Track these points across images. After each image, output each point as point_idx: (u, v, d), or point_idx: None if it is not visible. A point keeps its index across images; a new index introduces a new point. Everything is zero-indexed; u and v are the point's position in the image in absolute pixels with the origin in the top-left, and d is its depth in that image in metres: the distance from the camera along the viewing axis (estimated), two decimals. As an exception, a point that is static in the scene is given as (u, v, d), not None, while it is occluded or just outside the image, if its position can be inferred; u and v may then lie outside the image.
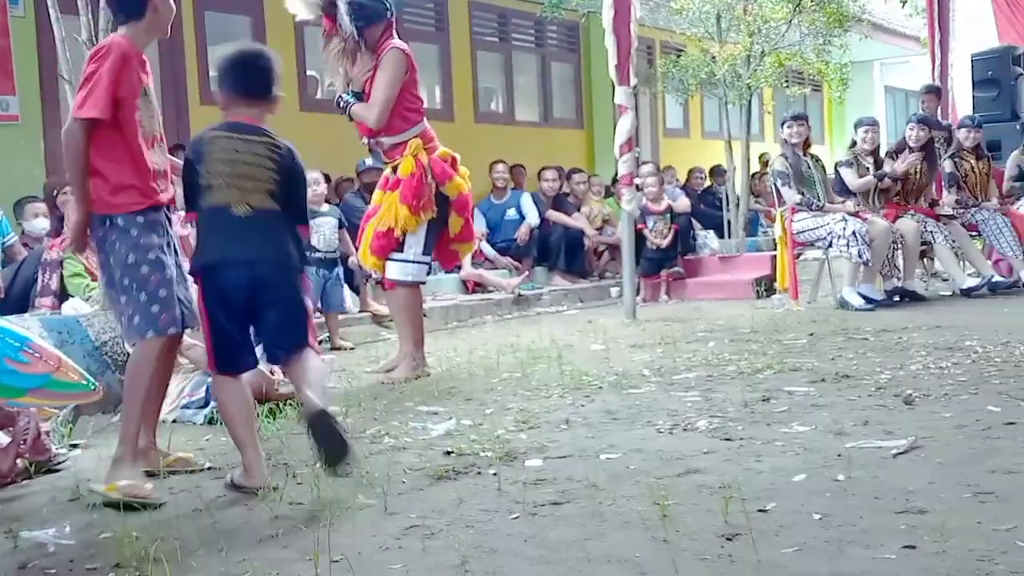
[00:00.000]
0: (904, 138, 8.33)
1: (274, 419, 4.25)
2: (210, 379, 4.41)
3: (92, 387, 3.44)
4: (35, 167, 7.80)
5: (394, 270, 5.32)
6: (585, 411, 4.17)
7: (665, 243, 9.30)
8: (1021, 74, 11.06)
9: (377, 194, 5.46)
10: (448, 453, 3.53)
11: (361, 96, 5.29)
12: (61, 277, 5.84)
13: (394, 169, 5.28)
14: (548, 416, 4.09)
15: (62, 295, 5.78)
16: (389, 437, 3.86)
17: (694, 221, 10.41)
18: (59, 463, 3.70)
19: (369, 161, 8.73)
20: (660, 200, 9.45)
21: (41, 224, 6.66)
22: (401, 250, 5.29)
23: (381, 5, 5.28)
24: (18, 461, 3.52)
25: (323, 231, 7.14)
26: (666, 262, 9.38)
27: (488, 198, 10.10)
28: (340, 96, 5.36)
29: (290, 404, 4.50)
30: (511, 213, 9.91)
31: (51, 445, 3.74)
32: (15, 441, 3.51)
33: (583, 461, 3.33)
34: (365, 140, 5.39)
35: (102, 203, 3.30)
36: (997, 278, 7.99)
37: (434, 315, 8.16)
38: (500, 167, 10.14)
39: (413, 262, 5.32)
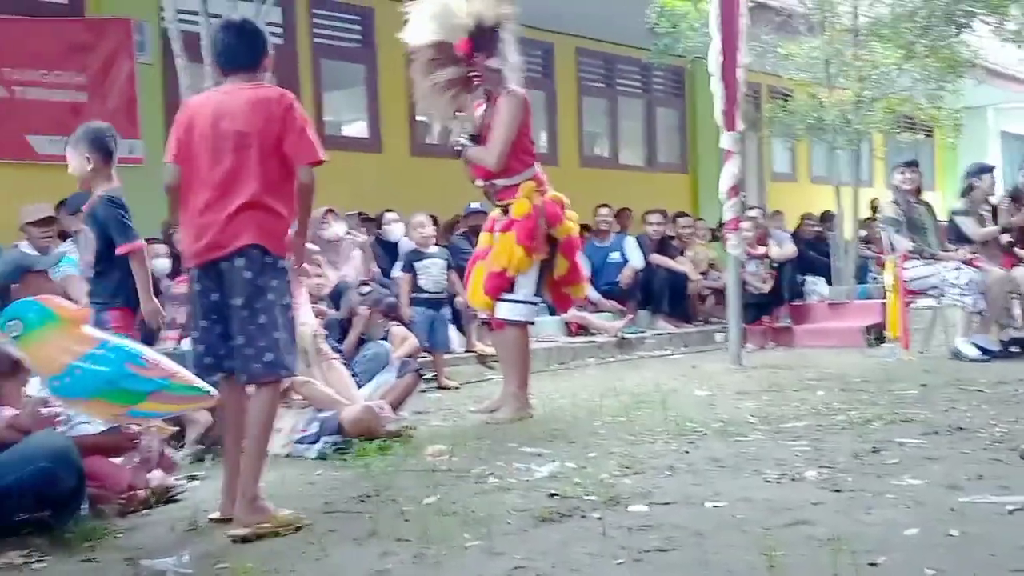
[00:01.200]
0: (1018, 185, 8.11)
1: (383, 456, 4.33)
2: (322, 415, 4.56)
3: (208, 392, 3.56)
4: (158, 209, 8.13)
5: (505, 310, 5.39)
6: (690, 458, 4.15)
7: (765, 288, 9.20)
8: None
9: (484, 236, 5.55)
10: (552, 495, 3.55)
11: (477, 139, 5.37)
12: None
13: (504, 210, 5.37)
14: (652, 461, 4.08)
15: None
16: (494, 477, 3.90)
17: (798, 265, 10.27)
18: (178, 494, 3.84)
19: (476, 205, 8.88)
20: (756, 245, 9.36)
21: (162, 264, 6.92)
22: (512, 290, 5.37)
23: None
24: (139, 492, 3.67)
25: (431, 272, 7.28)
26: (766, 308, 9.27)
27: (591, 241, 10.13)
28: (457, 139, 5.44)
29: (397, 440, 4.60)
30: (614, 256, 9.93)
31: (177, 459, 3.90)
32: (143, 458, 3.66)
33: (689, 508, 3.32)
34: (480, 182, 5.46)
35: (281, 243, 3.45)
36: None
37: (537, 357, 8.18)
38: (604, 210, 10.19)
39: (524, 302, 5.41)
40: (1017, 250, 7.84)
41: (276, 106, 3.41)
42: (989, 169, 8.14)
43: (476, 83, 5.40)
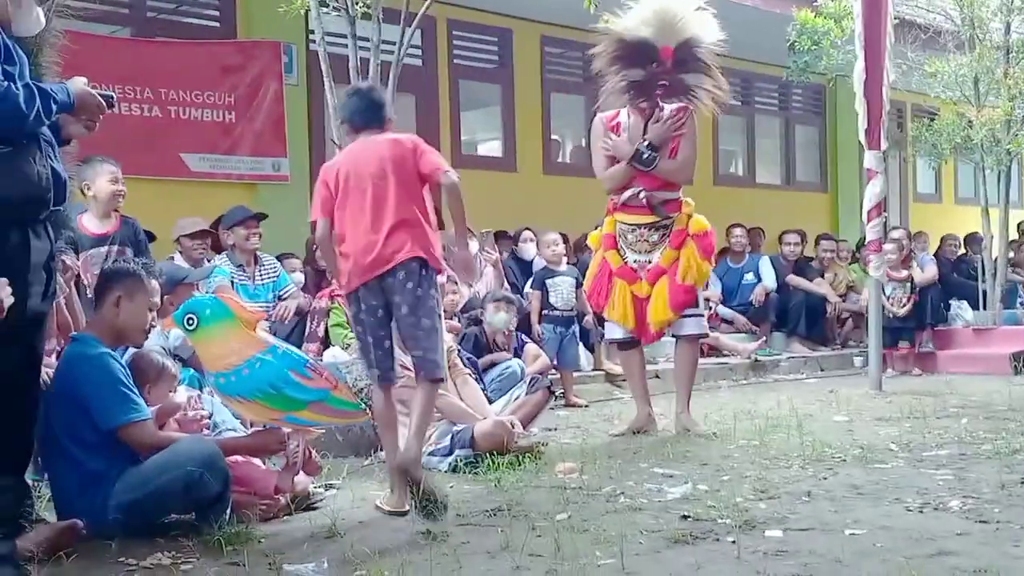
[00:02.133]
0: None
1: (514, 470, 4.37)
2: (455, 428, 4.63)
3: (363, 408, 3.72)
4: (301, 225, 8.40)
5: (694, 325, 5.55)
6: (827, 484, 4.05)
7: (902, 312, 8.91)
8: None
9: (612, 254, 5.57)
10: (685, 517, 3.52)
11: (656, 149, 5.37)
12: (326, 327, 6.25)
13: (659, 226, 5.43)
14: (788, 487, 4.00)
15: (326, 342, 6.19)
16: (625, 497, 3.89)
17: (943, 289, 9.92)
18: (317, 501, 3.95)
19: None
20: (899, 268, 9.07)
21: (297, 278, 7.15)
22: (697, 305, 5.51)
23: None
24: (280, 498, 3.79)
25: (561, 290, 7.30)
26: (904, 333, 8.98)
27: (725, 260, 10.00)
28: (641, 147, 5.35)
29: (529, 456, 4.64)
30: (749, 277, 9.77)
31: (321, 464, 4.03)
32: (290, 462, 3.79)
33: (826, 535, 3.25)
34: (644, 192, 5.41)
35: (435, 256, 3.81)
36: None
37: (667, 377, 8.13)
38: (738, 231, 10.05)
39: (703, 316, 5.71)
40: None
41: (407, 143, 3.85)
42: None
43: (659, 92, 5.37)
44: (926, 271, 9.62)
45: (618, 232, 5.52)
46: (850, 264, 10.51)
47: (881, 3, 7.35)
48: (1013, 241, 11.17)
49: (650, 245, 5.43)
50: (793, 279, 9.81)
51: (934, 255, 10.82)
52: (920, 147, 10.86)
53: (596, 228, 5.83)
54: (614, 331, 5.72)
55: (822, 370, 9.15)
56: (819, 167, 13.44)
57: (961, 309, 9.74)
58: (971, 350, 9.10)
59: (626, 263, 5.48)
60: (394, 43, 6.45)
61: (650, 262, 5.42)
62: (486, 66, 10.29)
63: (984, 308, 9.79)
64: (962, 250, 11.78)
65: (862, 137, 7.33)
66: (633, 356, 5.69)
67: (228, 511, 3.55)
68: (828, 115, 13.28)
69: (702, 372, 8.35)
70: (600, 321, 6.47)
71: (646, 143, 5.33)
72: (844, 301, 10.06)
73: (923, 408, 6.07)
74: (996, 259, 9.92)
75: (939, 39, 10.12)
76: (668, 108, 5.41)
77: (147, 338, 3.77)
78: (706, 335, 5.71)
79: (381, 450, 4.98)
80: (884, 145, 7.39)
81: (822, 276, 10.10)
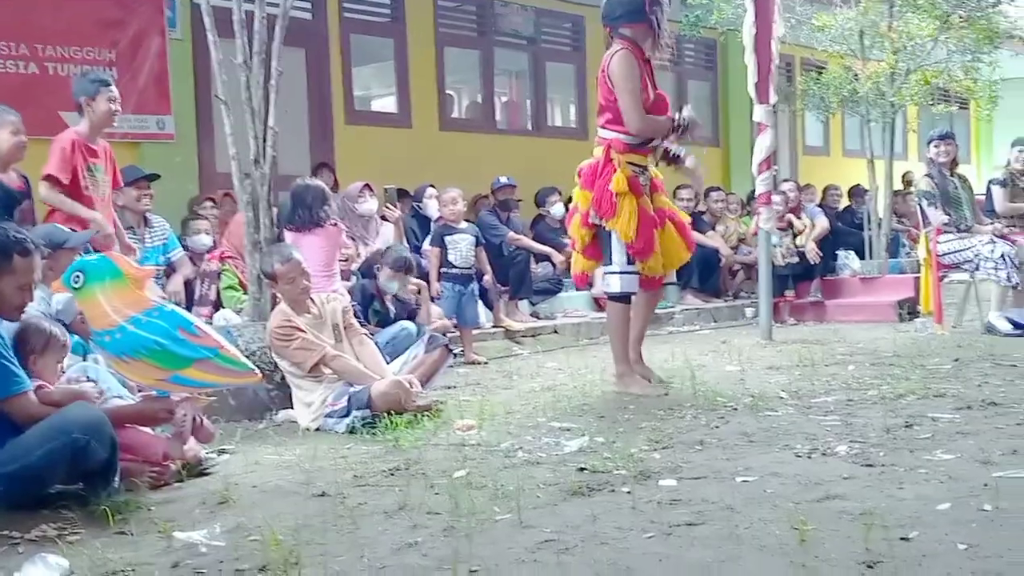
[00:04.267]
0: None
1: (412, 430, 4.35)
2: (352, 389, 4.58)
3: (252, 369, 3.64)
4: (188, 183, 8.18)
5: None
6: (720, 432, 4.13)
7: (786, 263, 9.17)
8: None
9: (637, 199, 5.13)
10: (582, 470, 3.55)
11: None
12: (218, 290, 6.11)
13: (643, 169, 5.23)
14: (682, 436, 4.07)
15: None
16: (523, 452, 3.91)
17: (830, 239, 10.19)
18: (209, 467, 3.87)
19: (504, 179, 8.86)
20: (795, 218, 9.31)
21: (204, 241, 6.97)
22: None
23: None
24: (171, 465, 3.70)
25: (460, 247, 7.27)
26: (795, 281, 9.24)
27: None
28: (679, 119, 5.18)
29: (426, 415, 4.62)
30: (645, 232, 9.87)
31: (213, 430, 3.94)
32: (178, 430, 3.71)
33: (719, 483, 3.31)
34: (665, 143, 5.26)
35: None
36: None
37: (565, 332, 8.23)
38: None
39: None
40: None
41: None
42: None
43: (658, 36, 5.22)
44: (818, 223, 9.86)
45: (632, 174, 5.12)
46: (741, 216, 10.70)
47: (770, -43, 7.42)
48: (898, 191, 11.52)
49: (647, 189, 5.22)
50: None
51: (819, 205, 11.09)
52: (809, 101, 11.09)
53: (620, 172, 5.10)
54: (633, 283, 5.19)
55: (715, 321, 9.32)
56: (711, 121, 13.61)
57: (848, 259, 10.02)
58: (858, 299, 9.37)
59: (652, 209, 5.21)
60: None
61: (650, 207, 5.18)
62: (378, 20, 10.11)
63: (870, 257, 10.09)
64: (847, 201, 12.12)
65: (752, 91, 7.42)
66: (629, 311, 5.29)
67: (116, 479, 3.46)
68: (720, 70, 13.44)
69: (597, 326, 8.47)
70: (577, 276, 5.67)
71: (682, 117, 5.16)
72: (736, 253, 10.26)
73: (812, 356, 6.24)
74: (881, 210, 10.23)
75: (826, -6, 10.32)
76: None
77: (22, 313, 3.61)
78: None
79: (275, 414, 4.95)
80: (773, 99, 7.50)
81: (714, 229, 10.26)
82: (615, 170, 5.05)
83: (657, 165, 5.34)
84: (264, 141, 5.35)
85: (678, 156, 5.32)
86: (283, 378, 4.93)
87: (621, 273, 5.14)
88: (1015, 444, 3.63)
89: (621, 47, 5.12)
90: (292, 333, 4.74)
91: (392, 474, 3.66)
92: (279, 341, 4.79)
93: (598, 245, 5.25)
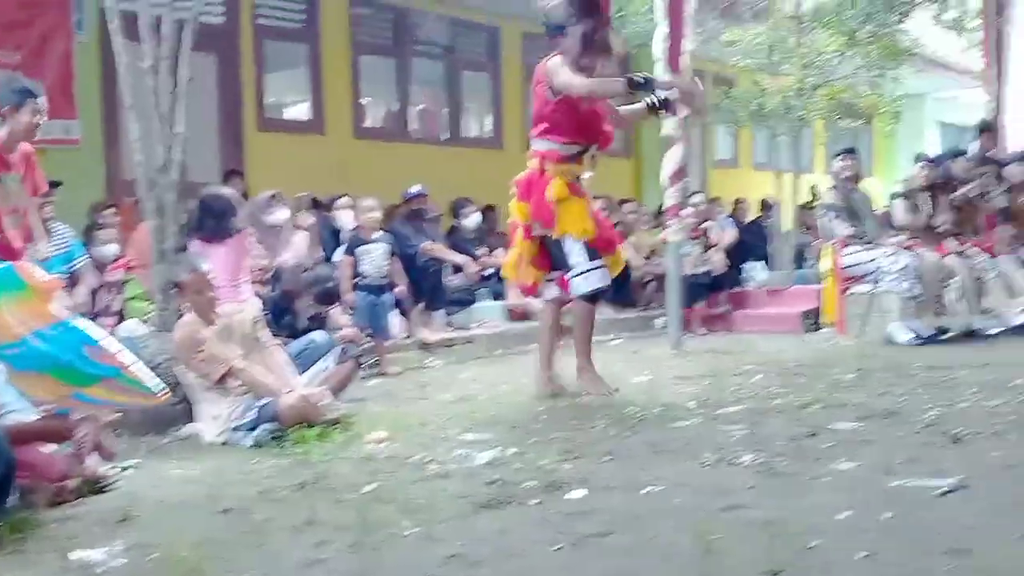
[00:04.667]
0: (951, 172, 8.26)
1: (321, 443, 4.30)
2: (259, 402, 4.51)
3: (158, 391, 3.55)
4: (95, 190, 7.98)
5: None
6: (629, 443, 4.17)
7: (696, 272, 9.33)
8: (1078, 109, 10.92)
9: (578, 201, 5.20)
10: (492, 482, 3.54)
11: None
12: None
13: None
14: (592, 447, 4.09)
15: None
16: (434, 464, 3.89)
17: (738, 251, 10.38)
18: (112, 483, 3.77)
19: (416, 189, 8.81)
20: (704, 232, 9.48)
21: (110, 250, 6.80)
22: None
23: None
24: (70, 482, 3.60)
25: (374, 257, 7.22)
26: (706, 293, 9.38)
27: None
28: (634, 77, 5.08)
29: (336, 428, 4.57)
30: (559, 242, 9.93)
31: (115, 447, 3.84)
32: (78, 447, 3.60)
33: (627, 493, 3.34)
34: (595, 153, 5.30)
35: None
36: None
37: (480, 342, 8.22)
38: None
39: None
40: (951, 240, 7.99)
41: None
42: (930, 160, 8.28)
43: (597, 47, 5.11)
44: (726, 234, 10.03)
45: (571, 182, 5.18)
46: (653, 228, 10.82)
47: (682, -27, 7.54)
48: (804, 204, 11.78)
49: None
50: (600, 243, 10.02)
51: (729, 217, 11.30)
52: (719, 115, 11.29)
53: (557, 180, 5.14)
54: (605, 276, 5.24)
55: (627, 332, 9.41)
56: (623, 134, 13.75)
57: (755, 270, 10.22)
58: (765, 310, 9.56)
59: None
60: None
61: None
62: (292, 26, 10.01)
63: (777, 269, 10.31)
64: (755, 213, 12.36)
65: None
66: (594, 311, 5.40)
67: (13, 497, 3.35)
68: (633, 82, 13.60)
69: (516, 337, 8.49)
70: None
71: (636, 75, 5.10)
72: (647, 264, 10.37)
73: (720, 366, 6.34)
74: (788, 223, 10.46)
75: (737, 8, 10.52)
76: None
77: None
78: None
79: (181, 428, 4.85)
80: (683, 112, 7.59)
81: (626, 240, 10.36)
82: (549, 180, 5.08)
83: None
84: (171, 148, 5.25)
85: (667, 101, 5.19)
86: (188, 391, 4.84)
87: (587, 271, 5.15)
88: (913, 453, 3.73)
89: (556, 52, 5.12)
90: (198, 345, 4.66)
91: (300, 489, 3.61)
92: (185, 353, 4.70)
93: (547, 254, 5.27)
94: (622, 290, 9.91)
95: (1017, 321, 7.79)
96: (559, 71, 5.00)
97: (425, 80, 11.63)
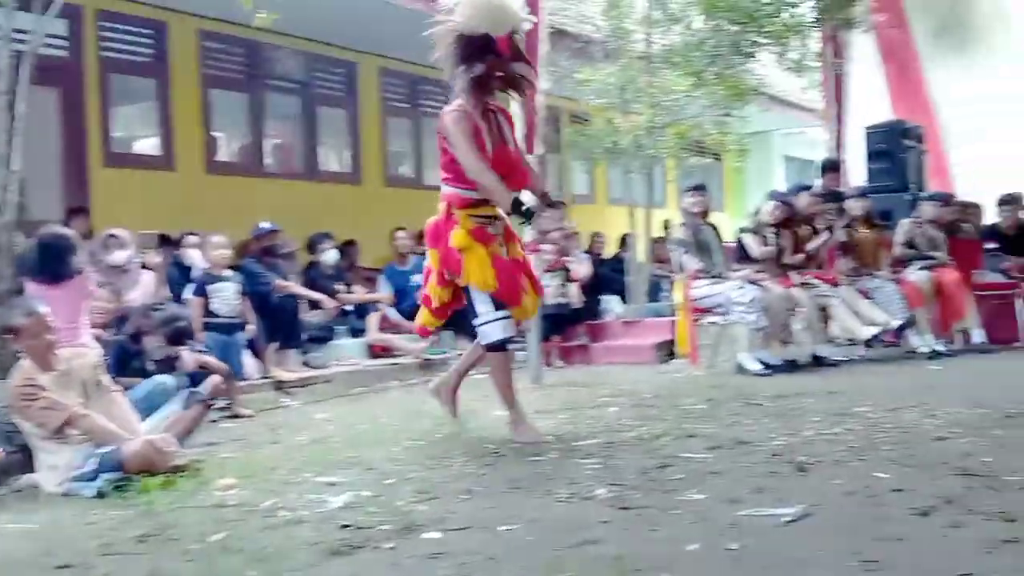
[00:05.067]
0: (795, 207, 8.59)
1: (167, 492, 4.14)
2: (100, 450, 4.32)
3: None
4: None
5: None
6: (487, 480, 4.16)
7: (555, 303, 9.45)
8: (911, 147, 11.53)
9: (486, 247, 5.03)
10: (346, 526, 3.47)
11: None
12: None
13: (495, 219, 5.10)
14: (449, 486, 4.06)
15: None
16: (285, 510, 3.79)
17: (595, 284, 10.55)
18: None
19: (267, 225, 8.65)
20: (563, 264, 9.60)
21: None
22: None
23: None
24: None
25: (225, 295, 7.05)
26: (559, 326, 9.49)
27: (392, 264, 10.11)
28: (524, 201, 4.98)
29: (183, 475, 4.42)
30: (416, 278, 9.89)
31: None
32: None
33: (482, 533, 3.32)
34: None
35: None
36: (894, 323, 8.22)
37: (338, 381, 8.09)
38: (401, 233, 10.18)
39: None
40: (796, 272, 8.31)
41: None
42: (782, 198, 8.59)
43: (496, 86, 4.99)
44: (582, 268, 10.18)
45: (479, 226, 5.00)
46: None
47: (536, 12, 7.65)
48: (657, 238, 12.08)
49: (502, 239, 5.11)
50: (460, 278, 10.04)
51: (586, 252, 11.49)
52: (575, 151, 11.50)
53: (459, 229, 5.00)
54: (508, 327, 5.09)
55: (488, 366, 9.40)
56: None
57: (612, 303, 10.40)
58: (621, 341, 9.72)
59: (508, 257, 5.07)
60: (30, 33, 5.93)
61: (505, 256, 5.08)
62: (139, 59, 9.74)
63: (632, 301, 10.52)
64: (614, 247, 12.62)
65: (519, 142, 7.60)
66: (510, 357, 5.27)
67: None
68: (491, 118, 13.73)
69: (372, 374, 8.40)
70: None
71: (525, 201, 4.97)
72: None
73: (577, 399, 6.41)
74: (642, 256, 10.70)
75: (589, 48, 10.75)
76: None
77: None
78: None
79: (17, 479, 4.60)
80: (540, 150, 7.72)
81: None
82: (455, 225, 5.00)
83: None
84: (6, 188, 5.02)
85: (530, 211, 5.01)
86: (27, 440, 4.60)
87: (491, 322, 5.04)
88: (760, 483, 3.83)
89: (452, 106, 5.01)
90: (35, 393, 4.44)
91: (143, 540, 3.46)
92: (21, 401, 4.47)
93: (461, 300, 5.17)
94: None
95: (866, 334, 8.10)
96: (455, 138, 4.89)
97: (280, 114, 11.48)
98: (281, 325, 8.01)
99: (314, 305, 8.73)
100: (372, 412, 6.30)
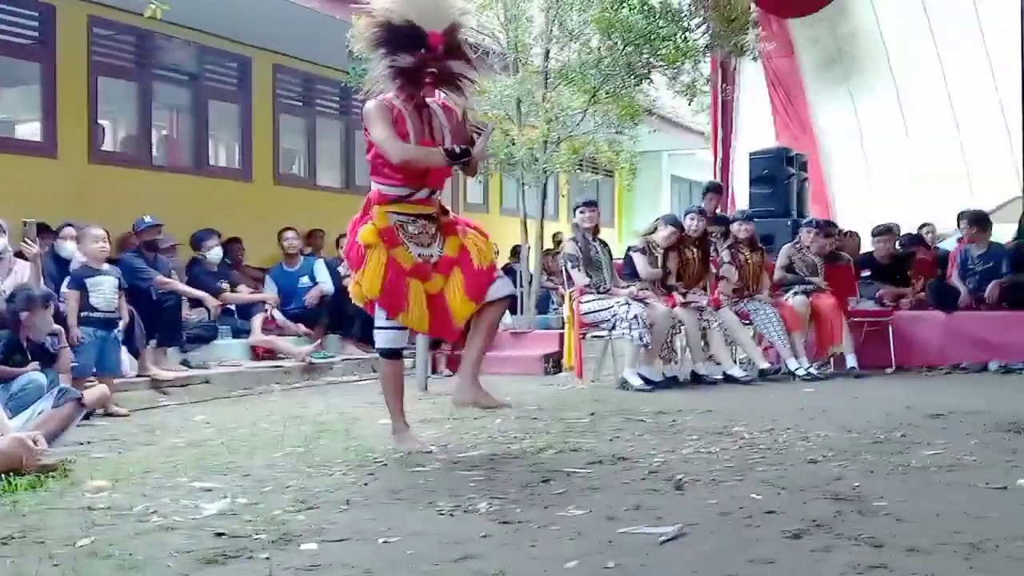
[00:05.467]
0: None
1: (35, 492, 3.99)
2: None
3: None
4: None
5: (505, 286, 5.14)
6: (368, 490, 4.12)
7: None
8: (793, 173, 11.91)
9: (389, 250, 4.87)
10: (220, 534, 3.39)
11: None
12: None
13: (436, 215, 4.99)
14: (329, 495, 4.01)
15: None
16: (158, 516, 3.68)
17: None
18: None
19: (149, 219, 8.42)
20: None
21: None
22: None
23: None
24: None
25: (103, 290, 6.83)
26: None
27: (280, 265, 9.95)
28: (451, 148, 4.82)
29: (52, 475, 4.26)
30: (304, 280, 9.79)
31: None
32: None
33: (361, 545, 3.28)
34: (435, 195, 5.03)
35: None
36: (765, 365, 8.50)
37: (218, 382, 7.93)
38: (290, 234, 10.04)
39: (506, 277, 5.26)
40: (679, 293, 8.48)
41: None
42: (676, 222, 8.74)
43: (428, 81, 4.74)
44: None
45: (394, 224, 4.86)
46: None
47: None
48: (548, 251, 12.19)
49: (429, 237, 4.92)
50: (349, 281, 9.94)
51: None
52: (470, 160, 11.49)
53: (367, 223, 4.89)
54: (396, 339, 5.03)
55: (374, 372, 9.34)
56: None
57: (501, 313, 10.42)
58: (509, 352, 9.76)
59: (418, 259, 4.88)
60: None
61: (432, 256, 4.91)
62: (24, 42, 9.38)
63: (522, 313, 10.57)
64: (506, 258, 12.67)
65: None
66: (401, 367, 5.17)
67: None
68: (387, 122, 13.65)
69: (253, 376, 8.25)
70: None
71: (454, 146, 4.79)
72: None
73: (462, 409, 6.39)
74: (533, 268, 10.77)
75: (487, 59, 10.78)
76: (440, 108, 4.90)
77: None
78: (515, 295, 5.46)
79: None
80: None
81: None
82: (368, 220, 4.88)
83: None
84: None
85: (466, 161, 4.82)
86: None
87: (379, 328, 4.96)
88: (639, 500, 3.89)
89: (374, 97, 4.87)
90: None
91: (6, 543, 3.32)
92: None
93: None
94: (370, 329, 9.91)
95: (732, 371, 8.34)
96: (373, 124, 4.74)
97: (170, 106, 11.21)
98: (161, 322, 7.81)
99: (196, 303, 8.53)
100: (252, 416, 6.19)
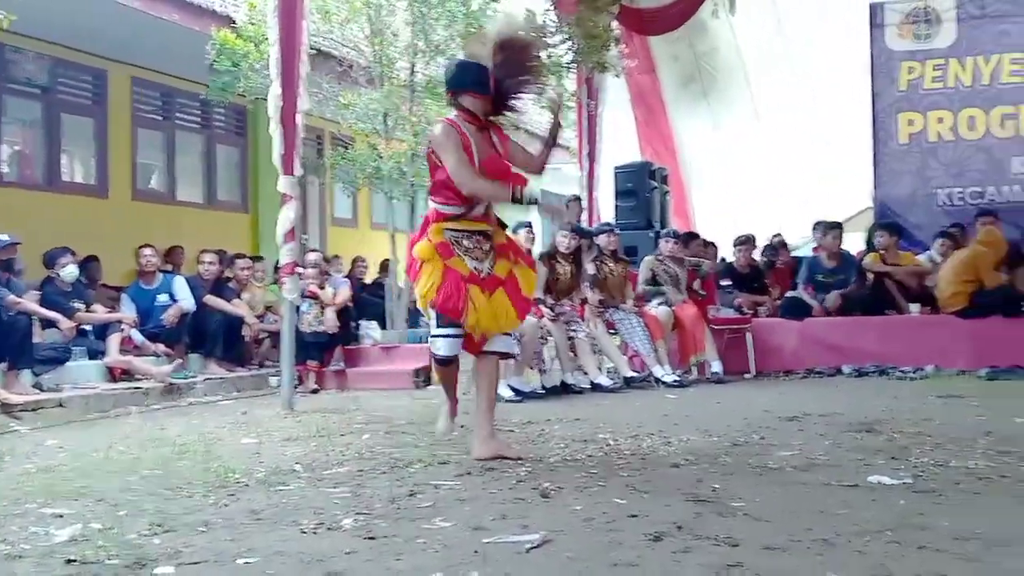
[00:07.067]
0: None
1: None
2: None
3: None
4: None
5: (507, 343, 5.18)
6: (228, 511, 4.01)
7: (320, 329, 9.41)
8: (655, 187, 12.19)
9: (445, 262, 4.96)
10: (71, 561, 3.25)
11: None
12: None
13: (491, 235, 5.06)
14: (187, 517, 3.89)
15: None
16: (4, 544, 3.51)
17: (355, 309, 10.48)
18: None
19: (5, 237, 8.09)
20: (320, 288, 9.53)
21: None
22: None
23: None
24: None
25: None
26: (315, 351, 9.44)
27: (137, 283, 9.65)
28: (518, 192, 4.94)
29: None
30: (163, 298, 9.50)
31: None
32: None
33: (219, 567, 3.19)
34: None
35: None
36: (630, 373, 8.65)
37: (73, 405, 7.63)
38: (147, 251, 9.73)
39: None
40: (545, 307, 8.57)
41: None
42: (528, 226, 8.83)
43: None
44: (340, 293, 10.09)
45: (449, 240, 4.96)
46: (269, 284, 10.68)
47: (296, 32, 7.56)
48: (417, 265, 12.13)
49: (483, 253, 4.98)
50: (210, 299, 9.72)
51: (347, 276, 11.40)
52: (337, 174, 11.41)
53: (425, 240, 5.01)
54: (452, 346, 5.03)
55: (238, 391, 9.15)
56: (240, 187, 13.53)
57: (370, 328, 10.36)
58: (378, 367, 9.71)
59: (473, 270, 4.93)
60: None
61: (483, 271, 4.97)
62: None
63: (391, 327, 10.51)
64: (375, 272, 12.58)
65: (277, 162, 7.48)
66: (455, 370, 5.35)
67: None
68: (250, 136, 13.44)
69: (109, 399, 7.96)
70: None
71: (520, 189, 4.93)
72: (262, 321, 10.20)
73: (330, 426, 6.32)
74: (402, 282, 10.71)
75: (352, 73, 10.72)
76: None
77: None
78: (514, 355, 5.65)
79: None
80: (299, 171, 7.60)
81: (239, 296, 10.13)
82: (424, 237, 5.02)
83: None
84: None
85: (534, 200, 5.00)
86: None
87: (434, 337, 5.03)
88: (505, 509, 3.90)
89: (443, 119, 5.04)
90: None
91: None
92: None
93: None
94: (233, 348, 9.72)
95: (598, 380, 8.47)
96: (445, 152, 4.85)
97: (20, 120, 10.76)
98: (11, 344, 7.46)
99: (49, 324, 8.19)
100: (108, 439, 5.96)
